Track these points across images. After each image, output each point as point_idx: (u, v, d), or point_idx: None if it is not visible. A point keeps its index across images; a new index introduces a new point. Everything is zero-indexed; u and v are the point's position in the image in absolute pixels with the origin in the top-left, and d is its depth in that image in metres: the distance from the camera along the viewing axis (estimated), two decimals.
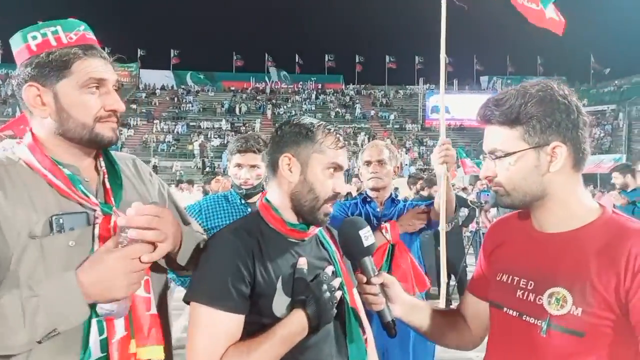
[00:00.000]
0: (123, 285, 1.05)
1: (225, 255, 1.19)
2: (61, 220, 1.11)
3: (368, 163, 2.58)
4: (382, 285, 1.31)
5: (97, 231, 1.15)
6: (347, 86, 51.94)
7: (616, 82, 45.13)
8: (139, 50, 52.82)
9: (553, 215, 1.14)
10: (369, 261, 1.31)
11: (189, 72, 53.31)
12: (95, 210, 1.16)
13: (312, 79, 52.89)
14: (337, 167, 1.28)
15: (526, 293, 1.12)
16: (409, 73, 54.36)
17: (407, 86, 50.67)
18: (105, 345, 1.11)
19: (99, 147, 1.24)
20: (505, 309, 1.17)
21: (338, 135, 1.29)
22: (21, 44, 1.17)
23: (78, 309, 1.03)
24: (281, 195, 1.29)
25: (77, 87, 1.15)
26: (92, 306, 1.06)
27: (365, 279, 1.30)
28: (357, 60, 55.78)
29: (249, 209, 2.42)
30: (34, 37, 1.16)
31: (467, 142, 33.77)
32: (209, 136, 37.43)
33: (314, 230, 1.34)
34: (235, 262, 1.18)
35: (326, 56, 55.54)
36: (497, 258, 1.27)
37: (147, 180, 1.42)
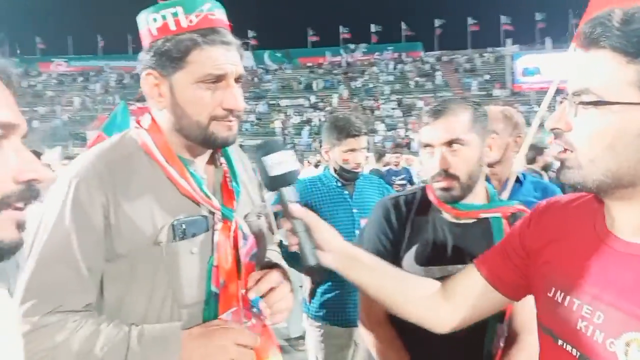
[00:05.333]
0: None
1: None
2: (184, 226, 1.04)
3: None
4: (307, 227, 1.04)
5: (216, 238, 1.07)
6: (427, 53, 49.72)
7: None
8: None
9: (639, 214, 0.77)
10: (285, 192, 1.05)
11: (267, 51, 54.29)
12: (214, 214, 1.08)
13: (389, 48, 51.32)
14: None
15: (591, 328, 0.79)
16: (494, 35, 50.76)
17: (491, 49, 47.31)
18: None
19: (212, 147, 1.13)
20: (560, 342, 0.85)
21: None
22: (143, 27, 1.07)
23: None
24: None
25: (192, 81, 1.02)
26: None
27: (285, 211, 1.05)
28: (435, 25, 53.11)
29: (345, 192, 2.40)
30: (155, 20, 1.04)
31: None
32: (288, 114, 38.04)
33: None
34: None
35: (402, 23, 53.46)
36: (549, 262, 0.91)
37: (252, 175, 1.32)
